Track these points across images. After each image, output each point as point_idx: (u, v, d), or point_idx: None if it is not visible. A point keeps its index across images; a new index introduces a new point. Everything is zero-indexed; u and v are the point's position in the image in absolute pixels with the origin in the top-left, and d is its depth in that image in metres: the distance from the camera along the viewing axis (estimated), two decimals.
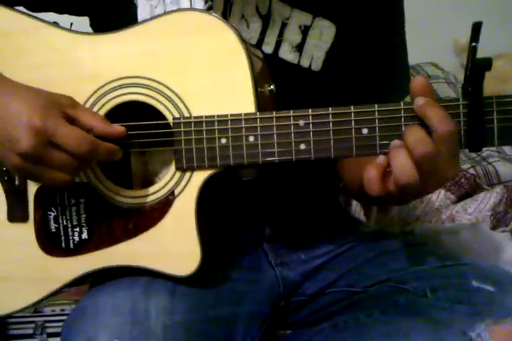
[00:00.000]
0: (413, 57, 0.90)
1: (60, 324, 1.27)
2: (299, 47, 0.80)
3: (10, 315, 0.79)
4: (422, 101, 0.61)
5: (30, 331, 1.30)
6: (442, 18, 1.80)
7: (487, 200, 1.21)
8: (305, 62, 0.81)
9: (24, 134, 0.63)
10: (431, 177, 0.62)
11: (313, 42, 0.80)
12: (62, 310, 1.29)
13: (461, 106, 0.61)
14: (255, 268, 0.83)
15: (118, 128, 0.69)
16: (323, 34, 0.80)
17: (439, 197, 1.21)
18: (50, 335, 1.30)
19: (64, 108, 0.66)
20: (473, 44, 0.57)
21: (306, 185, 0.86)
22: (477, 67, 0.57)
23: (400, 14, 0.86)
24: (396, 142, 0.63)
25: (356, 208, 1.19)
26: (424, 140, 0.60)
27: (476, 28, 0.57)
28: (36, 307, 1.25)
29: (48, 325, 1.30)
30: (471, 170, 1.30)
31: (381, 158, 0.64)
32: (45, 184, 0.71)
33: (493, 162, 1.33)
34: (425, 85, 0.62)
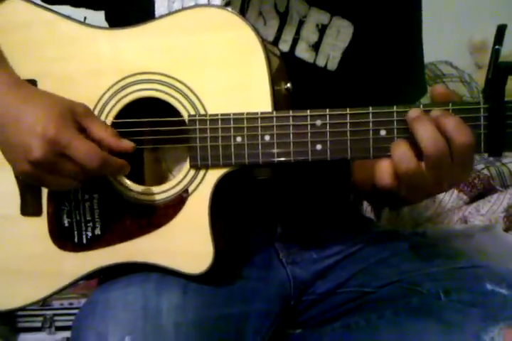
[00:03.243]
0: (428, 56, 0.89)
1: (69, 317, 1.28)
2: (316, 46, 0.79)
3: (20, 309, 0.79)
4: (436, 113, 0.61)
5: (39, 324, 1.31)
6: (457, 16, 1.78)
7: (500, 201, 1.20)
8: (321, 62, 0.80)
9: (37, 143, 0.63)
10: (439, 175, 0.61)
11: (330, 42, 0.79)
12: (70, 303, 1.29)
13: (481, 109, 0.60)
14: (266, 267, 0.83)
15: (127, 143, 0.69)
16: (341, 33, 0.79)
17: (451, 197, 1.20)
18: (59, 328, 1.31)
19: (78, 117, 0.67)
20: (497, 47, 0.57)
21: (319, 184, 0.86)
22: (500, 71, 0.57)
23: (417, 12, 0.85)
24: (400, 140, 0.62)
25: (368, 208, 1.19)
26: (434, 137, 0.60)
27: (501, 31, 0.56)
28: (44, 301, 1.26)
29: (56, 318, 1.30)
30: (485, 171, 1.29)
31: None
32: (51, 189, 0.73)
33: (508, 163, 1.32)
34: (445, 94, 0.62)
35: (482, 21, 1.63)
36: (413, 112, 0.62)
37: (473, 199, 1.24)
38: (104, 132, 0.68)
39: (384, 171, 0.63)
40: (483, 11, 1.76)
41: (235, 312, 0.74)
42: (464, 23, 1.78)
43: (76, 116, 0.67)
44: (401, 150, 0.61)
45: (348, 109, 0.64)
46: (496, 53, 0.57)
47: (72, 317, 1.27)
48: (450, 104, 0.62)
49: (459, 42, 1.84)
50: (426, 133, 0.60)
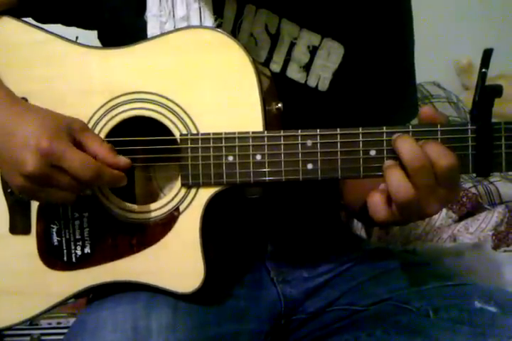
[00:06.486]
0: (416, 77, 0.90)
1: (56, 337, 1.26)
2: (307, 67, 0.80)
3: (7, 328, 0.78)
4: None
5: None
6: (445, 38, 1.82)
7: (489, 220, 1.21)
8: (312, 82, 0.81)
9: (30, 156, 0.63)
10: (429, 194, 0.62)
11: (321, 63, 0.80)
12: (58, 323, 1.28)
13: (469, 130, 0.61)
14: (257, 285, 0.83)
15: (123, 159, 0.68)
16: (331, 55, 0.80)
17: (440, 216, 1.22)
18: None
19: (73, 132, 0.67)
20: (484, 70, 0.58)
21: (309, 203, 0.86)
22: (487, 94, 0.58)
23: (409, 36, 0.86)
24: (389, 162, 0.63)
25: (358, 225, 1.19)
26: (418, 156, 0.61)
27: (487, 55, 0.58)
28: (32, 320, 1.24)
29: (44, 338, 1.28)
30: (473, 190, 1.30)
31: (383, 184, 0.64)
32: (47, 203, 0.72)
33: (495, 182, 1.34)
34: (433, 115, 0.63)
35: (469, 44, 1.68)
36: (395, 135, 0.63)
37: (462, 217, 1.25)
38: (99, 147, 0.67)
39: (377, 205, 0.63)
40: (470, 33, 1.80)
41: (226, 332, 0.74)
42: (452, 46, 1.83)
43: (71, 131, 0.66)
44: (396, 180, 0.61)
45: (338, 129, 0.65)
46: (482, 76, 0.59)
47: (60, 337, 1.25)
48: (438, 125, 0.63)
49: (447, 63, 1.88)
50: (408, 148, 0.61)
